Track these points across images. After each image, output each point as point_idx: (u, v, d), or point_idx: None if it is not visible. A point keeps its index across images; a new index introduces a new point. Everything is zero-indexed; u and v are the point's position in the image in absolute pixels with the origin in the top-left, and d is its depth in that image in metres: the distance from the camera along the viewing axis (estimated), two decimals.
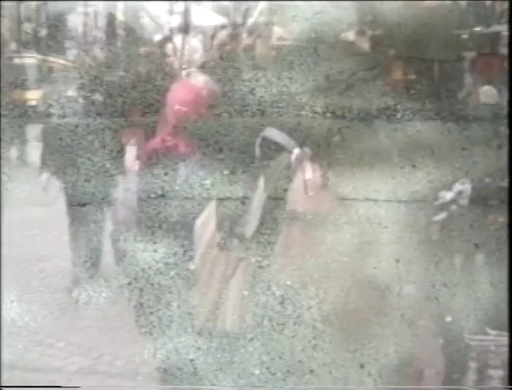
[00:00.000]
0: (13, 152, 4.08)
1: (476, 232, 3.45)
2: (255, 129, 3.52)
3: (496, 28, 3.85)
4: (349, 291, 3.43)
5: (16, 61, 4.61)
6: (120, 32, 4.18)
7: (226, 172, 3.52)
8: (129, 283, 3.53)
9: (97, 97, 3.69)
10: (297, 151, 3.45)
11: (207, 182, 3.53)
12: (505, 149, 3.45)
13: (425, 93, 3.51)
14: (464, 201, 3.47)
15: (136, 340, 3.56)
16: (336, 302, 3.43)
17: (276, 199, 3.52)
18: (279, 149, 3.49)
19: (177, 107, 3.67)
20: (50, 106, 3.66)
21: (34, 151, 4.11)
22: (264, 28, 3.81)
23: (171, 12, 4.30)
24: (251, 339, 3.45)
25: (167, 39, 4.15)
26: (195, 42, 4.07)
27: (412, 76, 3.55)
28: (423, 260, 3.44)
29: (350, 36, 3.57)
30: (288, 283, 3.45)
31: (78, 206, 3.68)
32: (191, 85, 3.79)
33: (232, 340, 3.44)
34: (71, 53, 4.12)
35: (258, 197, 3.48)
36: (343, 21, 3.58)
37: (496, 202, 3.45)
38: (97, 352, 3.94)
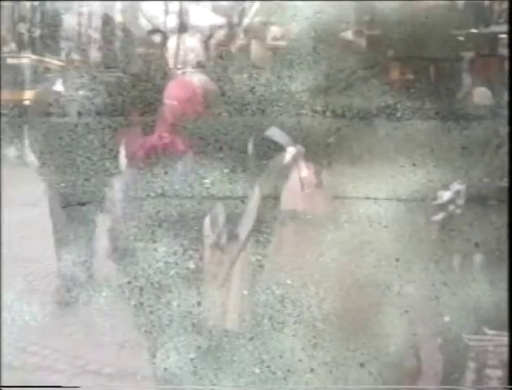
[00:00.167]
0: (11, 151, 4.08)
1: (476, 231, 3.46)
2: (255, 128, 3.53)
3: (494, 28, 3.86)
4: (348, 290, 3.43)
5: (10, 61, 4.59)
6: (117, 32, 4.18)
7: (226, 171, 3.52)
8: (129, 283, 3.53)
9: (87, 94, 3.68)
10: (291, 149, 3.46)
11: (207, 181, 3.53)
12: (505, 149, 3.45)
13: (425, 92, 3.52)
14: (461, 201, 3.47)
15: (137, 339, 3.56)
16: (336, 301, 3.43)
17: (275, 198, 3.52)
18: (278, 148, 3.49)
19: (173, 105, 3.67)
20: (50, 105, 3.66)
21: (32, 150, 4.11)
22: (262, 27, 3.81)
23: (168, 12, 4.30)
24: (251, 338, 3.45)
25: (165, 38, 4.15)
26: (193, 41, 4.06)
27: (412, 75, 3.55)
28: (423, 259, 3.44)
29: (349, 35, 3.57)
30: (288, 282, 3.45)
31: (77, 205, 3.68)
32: (187, 83, 3.79)
33: (232, 339, 3.44)
34: (67, 53, 4.12)
35: (255, 197, 3.49)
36: (342, 20, 3.58)
37: (496, 202, 3.45)
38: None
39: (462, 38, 3.69)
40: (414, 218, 3.46)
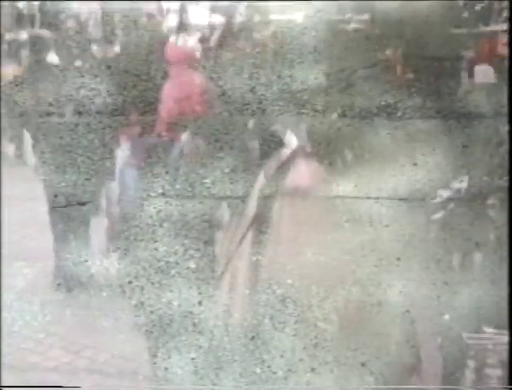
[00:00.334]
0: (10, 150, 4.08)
1: (477, 230, 3.46)
2: (256, 127, 3.53)
3: (495, 26, 3.86)
4: (350, 289, 3.43)
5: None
6: (118, 31, 4.18)
7: (227, 171, 3.52)
8: (129, 282, 3.52)
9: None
10: (293, 143, 3.47)
11: (208, 180, 3.53)
12: (505, 147, 3.45)
13: (426, 90, 3.52)
14: (462, 199, 3.48)
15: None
16: (337, 301, 3.43)
17: (274, 197, 3.52)
18: (279, 147, 3.50)
19: (171, 104, 3.67)
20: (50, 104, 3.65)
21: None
22: (262, 26, 3.81)
23: (167, 11, 4.30)
24: (252, 337, 3.44)
25: (165, 37, 4.14)
26: (192, 41, 4.06)
27: (412, 74, 3.55)
28: (424, 258, 3.44)
29: (350, 34, 3.57)
30: (289, 281, 3.45)
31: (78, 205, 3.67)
32: (184, 83, 3.79)
33: (233, 339, 3.44)
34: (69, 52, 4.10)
35: (259, 182, 3.51)
36: (343, 19, 3.58)
37: (497, 200, 3.45)
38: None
39: (462, 37, 3.69)
40: (415, 218, 3.46)
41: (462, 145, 3.49)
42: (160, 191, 3.55)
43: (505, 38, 3.64)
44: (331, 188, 3.50)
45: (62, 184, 3.64)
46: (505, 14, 3.75)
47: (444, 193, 3.48)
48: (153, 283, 3.51)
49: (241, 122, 3.55)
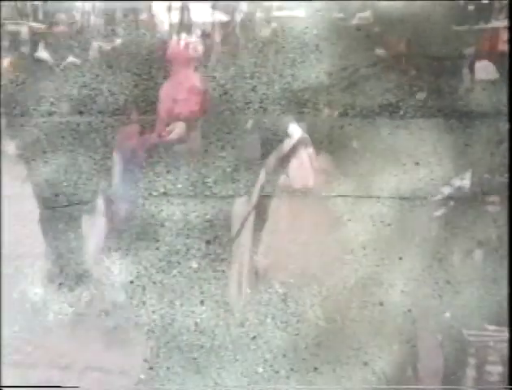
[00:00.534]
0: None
1: (479, 229, 3.46)
2: (257, 127, 3.53)
3: (495, 23, 3.85)
4: (352, 288, 3.43)
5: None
6: (120, 30, 4.16)
7: (229, 170, 3.52)
8: (131, 282, 3.52)
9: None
10: (296, 135, 3.48)
11: (210, 179, 3.52)
12: (505, 145, 3.45)
13: (427, 90, 3.51)
14: (463, 196, 3.48)
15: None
16: (340, 300, 3.43)
17: (274, 196, 3.52)
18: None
19: (169, 104, 3.67)
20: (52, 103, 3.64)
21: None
22: (263, 25, 3.80)
23: (169, 9, 4.28)
24: (254, 337, 3.44)
25: (166, 36, 4.13)
26: (193, 38, 4.05)
27: (414, 73, 3.54)
28: (426, 257, 3.44)
29: (352, 32, 3.57)
30: (291, 281, 3.45)
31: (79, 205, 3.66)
32: (183, 83, 3.78)
33: (236, 338, 3.44)
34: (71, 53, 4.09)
35: (261, 177, 3.51)
36: (345, 18, 3.57)
37: (500, 199, 3.45)
38: None
39: (464, 35, 3.69)
40: (417, 217, 3.46)
41: (464, 143, 3.48)
42: (162, 190, 3.55)
43: (505, 35, 3.65)
44: (332, 187, 3.50)
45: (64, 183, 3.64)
46: (506, 11, 3.74)
47: (446, 190, 3.48)
48: (154, 283, 3.51)
49: (243, 121, 3.54)
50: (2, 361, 3.48)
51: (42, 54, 3.90)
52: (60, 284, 3.87)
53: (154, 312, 3.49)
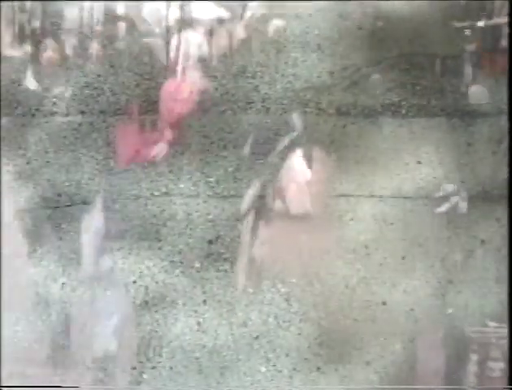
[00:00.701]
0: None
1: (482, 228, 3.45)
2: (259, 126, 3.53)
3: (497, 21, 3.85)
4: (354, 288, 3.43)
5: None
6: (120, 27, 4.16)
7: (230, 169, 3.52)
8: (134, 282, 3.52)
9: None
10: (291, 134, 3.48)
11: (212, 179, 3.52)
12: (506, 144, 3.45)
13: (430, 88, 3.51)
14: (464, 194, 3.48)
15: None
16: (342, 299, 3.43)
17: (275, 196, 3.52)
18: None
19: (170, 104, 3.67)
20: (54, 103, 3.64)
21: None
22: (264, 24, 3.80)
23: (169, 5, 4.28)
24: (257, 336, 3.44)
25: (167, 34, 4.13)
26: (195, 36, 4.04)
27: (416, 72, 3.54)
28: (429, 256, 3.44)
29: (354, 31, 3.56)
30: (294, 280, 3.45)
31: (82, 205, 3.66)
32: (183, 83, 3.78)
33: (238, 338, 3.44)
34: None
35: (254, 188, 3.51)
36: (346, 17, 3.57)
37: (501, 198, 3.45)
38: None
39: (465, 33, 3.68)
40: (419, 216, 3.46)
41: (467, 143, 3.48)
42: (164, 190, 3.55)
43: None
44: (334, 187, 3.50)
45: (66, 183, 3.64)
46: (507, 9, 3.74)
47: (449, 187, 3.48)
48: (157, 283, 3.51)
49: (245, 121, 3.54)
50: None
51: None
52: (63, 284, 3.88)
53: (156, 311, 3.49)
